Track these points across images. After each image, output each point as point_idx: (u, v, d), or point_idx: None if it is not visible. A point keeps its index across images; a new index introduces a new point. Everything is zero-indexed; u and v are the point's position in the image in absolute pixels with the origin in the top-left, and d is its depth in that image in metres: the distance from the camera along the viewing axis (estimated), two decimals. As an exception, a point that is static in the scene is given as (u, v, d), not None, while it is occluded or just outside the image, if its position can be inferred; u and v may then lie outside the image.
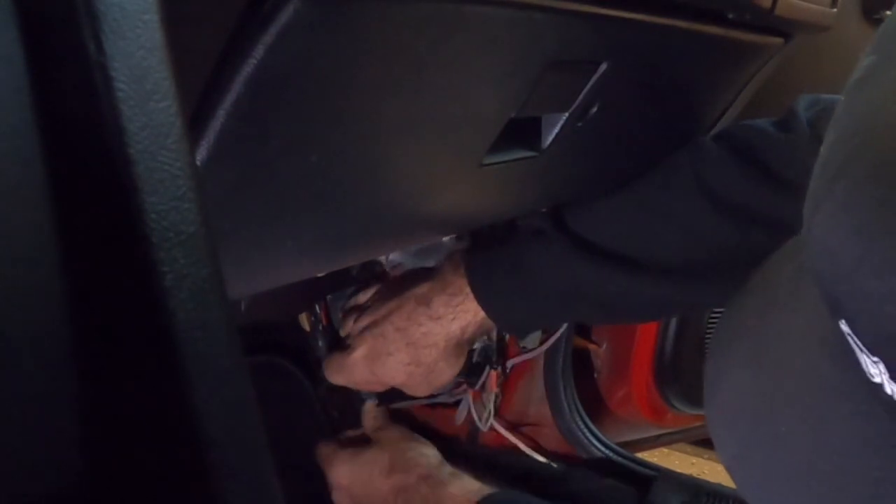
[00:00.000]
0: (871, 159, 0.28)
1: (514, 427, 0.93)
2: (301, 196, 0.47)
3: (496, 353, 0.87)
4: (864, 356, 0.29)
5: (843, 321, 0.30)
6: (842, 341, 0.30)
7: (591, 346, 0.96)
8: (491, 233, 0.80)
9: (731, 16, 0.60)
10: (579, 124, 0.60)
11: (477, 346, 0.86)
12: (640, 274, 0.70)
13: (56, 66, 0.24)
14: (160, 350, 0.25)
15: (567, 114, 0.59)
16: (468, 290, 0.74)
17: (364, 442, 0.89)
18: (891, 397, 0.29)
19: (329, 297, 0.87)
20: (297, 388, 0.93)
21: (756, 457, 0.39)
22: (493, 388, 0.88)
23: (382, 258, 0.84)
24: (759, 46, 0.69)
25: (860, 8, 0.92)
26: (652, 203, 0.73)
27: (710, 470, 2.07)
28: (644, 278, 0.70)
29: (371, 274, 0.85)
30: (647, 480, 0.87)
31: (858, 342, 0.29)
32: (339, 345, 0.84)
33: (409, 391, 0.80)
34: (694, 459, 2.05)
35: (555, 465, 0.91)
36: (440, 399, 0.91)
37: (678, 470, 0.88)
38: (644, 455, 0.97)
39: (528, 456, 0.91)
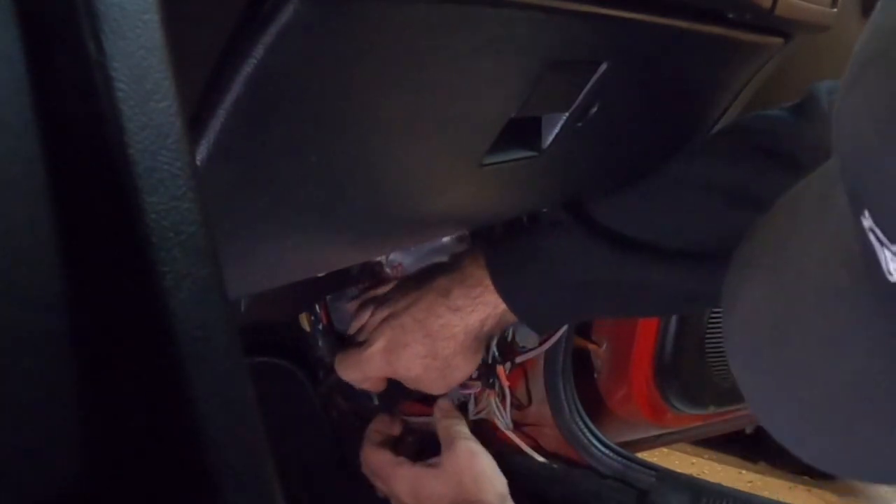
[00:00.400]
0: None
1: (514, 427, 0.93)
2: (301, 196, 0.47)
3: (502, 352, 0.87)
4: (885, 252, 0.30)
5: (866, 213, 0.30)
6: (862, 246, 0.31)
7: (591, 346, 0.96)
8: (511, 226, 0.79)
9: (731, 16, 0.60)
10: (579, 124, 0.60)
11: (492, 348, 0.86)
12: (659, 263, 0.70)
13: (56, 66, 0.24)
14: (160, 350, 0.25)
15: (567, 114, 0.59)
16: (488, 281, 0.73)
17: (424, 446, 0.88)
18: None
19: (329, 297, 0.87)
20: (297, 388, 0.93)
21: (768, 367, 0.40)
22: (506, 382, 0.88)
23: (382, 258, 0.84)
24: (759, 46, 0.69)
25: (860, 8, 0.92)
26: (669, 195, 0.72)
27: (710, 470, 2.07)
28: (663, 267, 0.70)
29: (371, 274, 0.85)
30: (647, 480, 0.87)
31: (880, 234, 0.30)
32: (345, 343, 0.84)
33: (424, 387, 0.79)
34: (694, 459, 2.05)
35: (555, 466, 0.91)
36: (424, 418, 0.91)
37: (678, 470, 0.88)
38: (644, 455, 0.97)
39: (528, 456, 0.91)
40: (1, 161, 0.23)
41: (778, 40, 0.70)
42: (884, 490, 2.41)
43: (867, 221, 0.30)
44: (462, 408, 0.91)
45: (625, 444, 0.96)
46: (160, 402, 0.25)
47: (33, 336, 0.24)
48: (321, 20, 0.37)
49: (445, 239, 0.82)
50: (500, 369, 0.86)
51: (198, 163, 0.37)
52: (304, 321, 0.88)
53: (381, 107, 0.46)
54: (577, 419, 0.92)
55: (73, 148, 0.24)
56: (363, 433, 0.91)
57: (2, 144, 0.23)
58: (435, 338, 0.75)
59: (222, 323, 0.26)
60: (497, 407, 0.88)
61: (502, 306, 0.73)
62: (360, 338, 0.81)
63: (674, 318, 0.94)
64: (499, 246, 0.76)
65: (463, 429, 0.86)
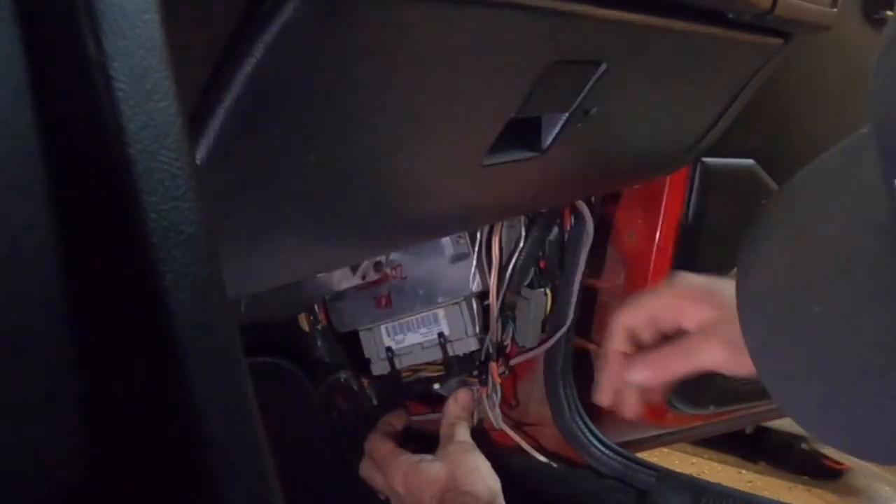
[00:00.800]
0: None
1: (515, 427, 0.93)
2: (301, 196, 0.47)
3: (496, 350, 0.87)
4: None
5: None
6: (889, 209, 0.30)
7: (591, 346, 0.96)
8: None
9: (731, 16, 0.60)
10: (579, 124, 0.60)
11: (486, 343, 0.86)
12: None
13: (56, 66, 0.24)
14: (160, 350, 0.25)
15: (567, 114, 0.59)
16: None
17: (422, 440, 0.87)
18: None
19: (328, 297, 0.87)
20: (297, 388, 0.93)
21: (784, 336, 0.39)
22: (497, 380, 0.88)
23: (382, 258, 0.84)
24: (759, 46, 0.69)
25: (860, 8, 0.92)
26: None
27: (710, 470, 2.07)
28: None
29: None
30: (647, 480, 0.87)
31: None
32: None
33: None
34: (694, 459, 2.05)
35: (555, 465, 0.91)
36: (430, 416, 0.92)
37: (678, 470, 0.88)
38: (644, 455, 0.97)
39: (528, 455, 0.91)
40: (1, 161, 0.23)
41: (778, 40, 0.70)
42: (884, 490, 2.41)
43: None
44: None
45: (625, 444, 0.96)
46: (160, 401, 0.25)
47: (33, 336, 0.24)
48: (321, 19, 0.37)
49: (445, 239, 0.82)
50: (492, 366, 0.86)
51: (198, 163, 0.37)
52: (304, 321, 0.88)
53: (380, 107, 0.46)
54: (577, 419, 0.92)
55: (73, 148, 0.24)
56: (363, 433, 0.91)
57: (2, 144, 0.23)
58: None
59: (222, 323, 0.26)
60: (488, 404, 0.88)
61: None
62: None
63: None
64: None
65: (464, 428, 0.86)
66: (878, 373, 0.35)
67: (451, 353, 0.85)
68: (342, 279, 0.81)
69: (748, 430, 2.39)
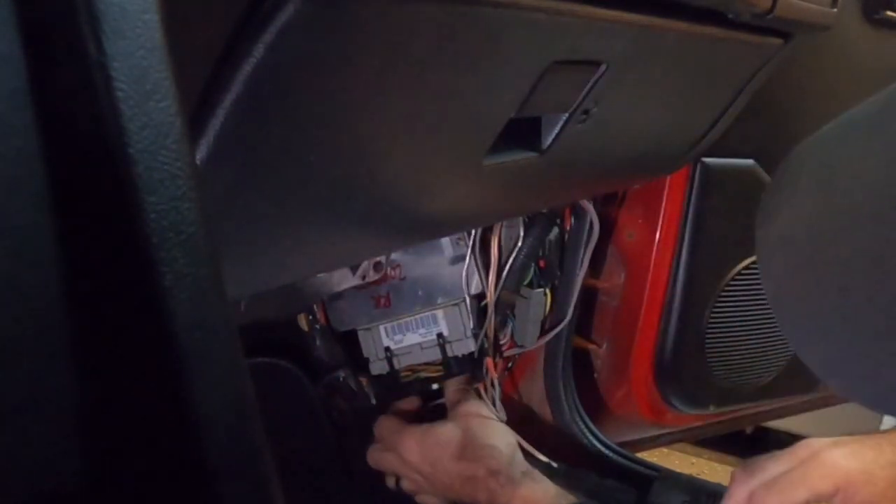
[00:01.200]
0: None
1: (514, 425, 0.93)
2: (300, 196, 0.47)
3: (492, 346, 0.87)
4: None
5: None
6: None
7: (591, 346, 0.96)
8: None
9: (731, 16, 0.60)
10: (579, 124, 0.60)
11: (481, 339, 0.85)
12: None
13: (56, 66, 0.24)
14: (160, 350, 0.25)
15: (567, 114, 0.59)
16: None
17: (432, 413, 0.87)
18: None
19: (327, 297, 0.87)
20: (297, 388, 0.93)
21: (808, 279, 0.39)
22: (494, 374, 0.87)
23: (382, 258, 0.84)
24: (758, 47, 0.69)
25: (860, 8, 0.92)
26: None
27: (709, 470, 2.07)
28: None
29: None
30: (647, 480, 0.87)
31: None
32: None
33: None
34: (694, 459, 2.05)
35: (555, 465, 0.91)
36: (441, 401, 0.91)
37: (678, 470, 0.88)
38: (644, 455, 0.97)
39: (528, 454, 0.91)
40: (1, 161, 0.23)
41: (778, 41, 0.70)
42: (883, 490, 2.40)
43: None
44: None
45: (625, 444, 0.96)
46: (160, 401, 0.25)
47: (33, 336, 0.24)
48: (321, 19, 0.37)
49: (445, 239, 0.82)
50: (488, 361, 0.86)
51: (198, 162, 0.37)
52: (303, 321, 0.88)
53: (380, 107, 0.46)
54: (577, 419, 0.92)
55: (73, 148, 0.24)
56: (363, 433, 0.91)
57: (2, 144, 0.23)
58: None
59: (222, 323, 0.26)
60: (487, 399, 0.88)
61: None
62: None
63: (674, 317, 0.94)
64: None
65: (472, 395, 0.86)
66: None
67: (449, 353, 0.85)
68: (342, 279, 0.81)
69: (748, 430, 2.39)
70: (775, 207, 0.43)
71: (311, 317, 0.88)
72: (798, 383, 1.05)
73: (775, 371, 1.00)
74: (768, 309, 0.97)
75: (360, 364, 0.90)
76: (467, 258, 0.82)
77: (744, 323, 0.97)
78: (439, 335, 0.85)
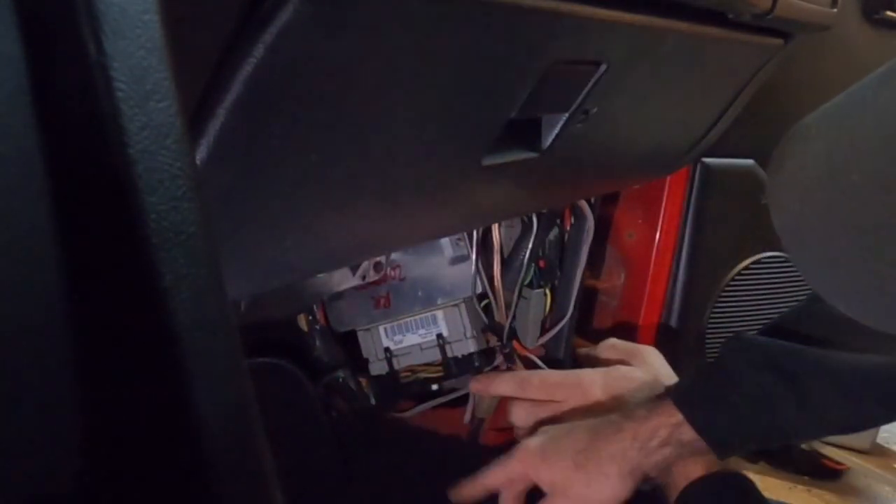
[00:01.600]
0: None
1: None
2: (300, 196, 0.47)
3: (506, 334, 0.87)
4: None
5: None
6: None
7: (592, 346, 0.96)
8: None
9: (731, 16, 0.60)
10: (579, 124, 0.60)
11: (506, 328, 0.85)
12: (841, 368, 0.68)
13: (56, 66, 0.24)
14: (160, 350, 0.25)
15: (567, 114, 0.59)
16: (668, 397, 0.71)
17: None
18: None
19: (327, 297, 0.87)
20: (297, 388, 0.93)
21: (817, 204, 0.42)
22: (526, 351, 0.87)
23: (382, 258, 0.84)
24: (759, 47, 0.69)
25: (860, 8, 0.92)
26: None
27: (709, 470, 2.06)
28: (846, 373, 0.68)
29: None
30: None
31: None
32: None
33: (560, 492, 0.73)
34: (694, 459, 2.04)
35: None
36: (440, 400, 0.91)
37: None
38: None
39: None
40: (1, 161, 0.23)
41: (778, 41, 0.70)
42: (884, 490, 2.41)
43: None
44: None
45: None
46: (160, 401, 0.25)
47: (33, 336, 0.24)
48: (321, 19, 0.37)
49: (445, 239, 0.82)
50: (515, 343, 0.86)
51: (198, 163, 0.37)
52: (302, 321, 0.88)
53: (380, 107, 0.46)
54: (577, 419, 0.91)
55: (73, 148, 0.24)
56: (363, 433, 0.91)
57: (2, 144, 0.23)
58: (599, 436, 0.71)
59: (222, 323, 0.26)
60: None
61: (677, 416, 0.69)
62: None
63: (674, 317, 0.94)
64: (682, 377, 0.74)
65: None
66: None
67: (449, 354, 0.85)
68: (342, 279, 0.81)
69: (748, 431, 2.39)
70: (788, 151, 0.46)
71: (311, 317, 0.88)
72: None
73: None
74: (768, 309, 0.96)
75: (359, 364, 0.90)
76: (473, 257, 0.82)
77: (744, 323, 0.97)
78: (439, 336, 0.85)
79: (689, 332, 0.96)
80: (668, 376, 0.78)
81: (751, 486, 0.70)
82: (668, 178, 0.88)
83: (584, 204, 0.88)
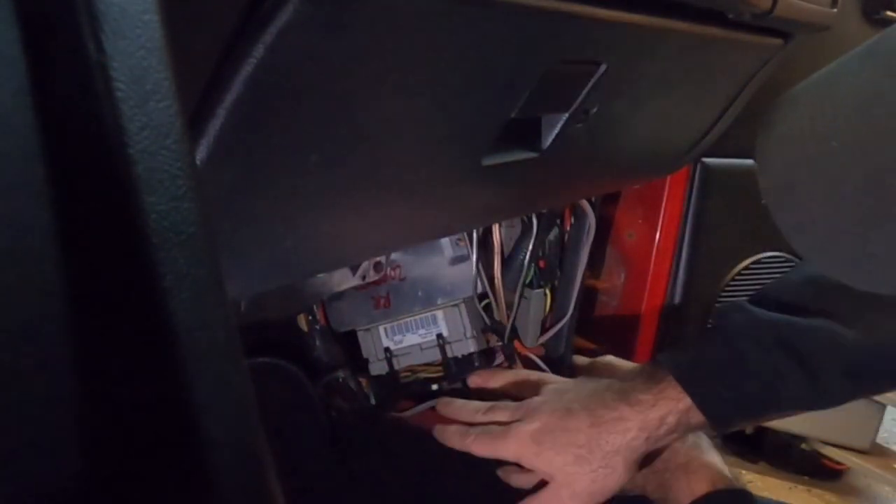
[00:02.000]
0: None
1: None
2: (301, 196, 0.47)
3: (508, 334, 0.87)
4: None
5: None
6: None
7: (591, 346, 0.96)
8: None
9: (731, 16, 0.60)
10: (579, 124, 0.60)
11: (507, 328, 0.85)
12: (840, 335, 0.68)
13: (56, 66, 0.24)
14: (160, 350, 0.25)
15: (567, 114, 0.59)
16: (670, 378, 0.68)
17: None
18: None
19: (326, 297, 0.87)
20: (297, 388, 0.93)
21: (801, 169, 0.45)
22: (524, 350, 0.87)
23: (382, 258, 0.84)
24: (758, 47, 0.69)
25: (860, 8, 0.92)
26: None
27: (709, 470, 2.06)
28: (845, 340, 0.68)
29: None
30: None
31: None
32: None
33: (565, 487, 0.70)
34: (694, 459, 2.04)
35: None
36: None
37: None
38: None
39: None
40: (1, 161, 0.23)
41: (778, 41, 0.70)
42: (884, 490, 2.41)
43: None
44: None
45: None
46: (160, 401, 0.25)
47: (33, 336, 0.24)
48: (321, 19, 0.37)
49: (445, 239, 0.82)
50: (515, 343, 0.86)
51: (198, 163, 0.37)
52: (303, 321, 0.88)
53: (380, 107, 0.46)
54: (577, 419, 0.91)
55: (73, 148, 0.24)
56: (363, 433, 0.91)
57: (2, 144, 0.23)
58: (602, 429, 0.69)
59: (222, 323, 0.26)
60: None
61: (686, 402, 0.67)
62: (502, 416, 0.75)
63: (674, 317, 0.94)
64: (677, 347, 0.73)
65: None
66: (890, 198, 0.41)
67: (449, 354, 0.85)
68: (342, 279, 0.81)
69: (748, 431, 2.39)
70: (777, 116, 0.48)
71: (310, 317, 0.88)
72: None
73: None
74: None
75: (359, 364, 0.90)
76: (474, 257, 0.82)
77: (744, 323, 0.97)
78: (439, 336, 0.85)
79: (689, 332, 0.96)
80: None
81: (754, 502, 0.69)
82: (668, 178, 0.88)
83: (585, 203, 0.88)
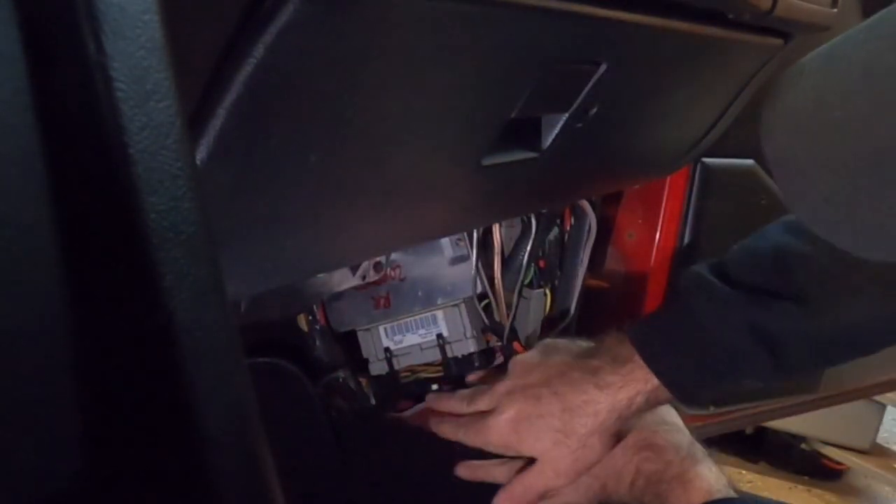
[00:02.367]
0: None
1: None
2: (300, 196, 0.47)
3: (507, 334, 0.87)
4: None
5: None
6: None
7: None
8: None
9: (731, 16, 0.60)
10: (579, 124, 0.60)
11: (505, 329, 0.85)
12: (804, 313, 0.68)
13: (56, 66, 0.24)
14: (160, 350, 0.25)
15: (567, 114, 0.59)
16: (637, 357, 0.70)
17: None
18: None
19: (326, 297, 0.87)
20: (297, 388, 0.93)
21: (804, 138, 0.46)
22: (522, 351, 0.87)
23: (382, 258, 0.84)
24: (758, 47, 0.69)
25: (860, 8, 0.92)
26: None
27: (709, 470, 2.06)
28: (809, 318, 0.68)
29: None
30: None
31: None
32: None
33: (550, 466, 0.73)
34: (694, 460, 2.04)
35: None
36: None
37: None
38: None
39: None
40: (1, 161, 0.23)
41: (778, 41, 0.70)
42: (884, 490, 2.41)
43: None
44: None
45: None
46: (160, 402, 0.25)
47: (33, 336, 0.24)
48: (321, 19, 0.37)
49: (445, 239, 0.82)
50: (515, 345, 0.86)
51: (198, 163, 0.37)
52: (303, 322, 0.88)
53: (380, 107, 0.46)
54: (577, 419, 0.91)
55: (73, 148, 0.24)
56: (363, 433, 0.91)
57: (2, 144, 0.23)
58: (574, 413, 0.71)
59: (222, 323, 0.26)
60: None
61: (653, 381, 0.69)
62: (483, 405, 0.76)
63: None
64: (642, 321, 0.73)
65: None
66: (889, 169, 0.42)
67: (449, 354, 0.85)
68: (342, 279, 0.81)
69: (748, 431, 2.39)
70: (782, 87, 0.49)
71: (310, 317, 0.88)
72: (798, 383, 1.05)
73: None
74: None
75: (359, 364, 0.90)
76: (474, 257, 0.82)
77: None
78: (439, 336, 0.85)
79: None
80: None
81: None
82: (668, 178, 0.88)
83: (585, 203, 0.87)
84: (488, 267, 0.84)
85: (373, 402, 0.90)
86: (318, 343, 0.89)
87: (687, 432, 0.75)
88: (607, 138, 0.68)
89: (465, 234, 0.82)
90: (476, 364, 0.86)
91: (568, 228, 0.90)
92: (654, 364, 0.69)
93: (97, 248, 0.25)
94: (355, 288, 0.85)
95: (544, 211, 0.86)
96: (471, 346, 0.85)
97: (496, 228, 0.83)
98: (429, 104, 0.48)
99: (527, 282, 0.87)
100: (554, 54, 0.52)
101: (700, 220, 0.89)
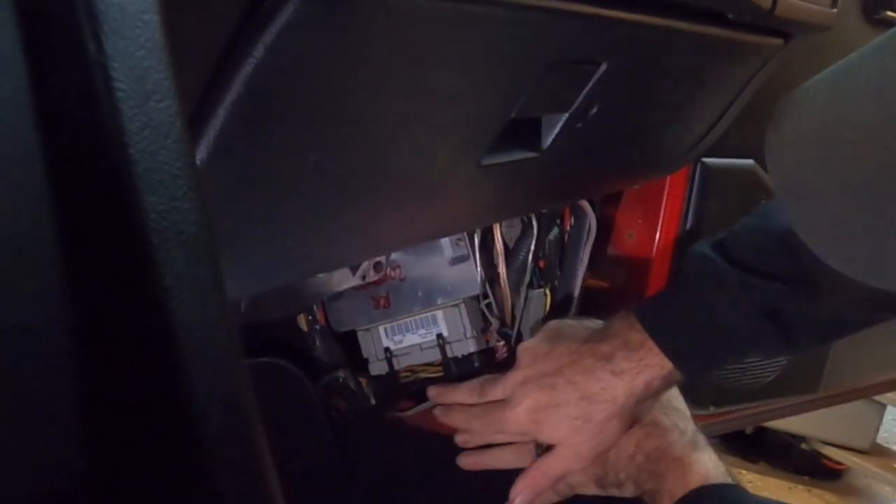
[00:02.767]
0: None
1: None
2: (301, 196, 0.47)
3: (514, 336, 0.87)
4: None
5: None
6: None
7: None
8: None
9: (731, 16, 0.60)
10: (579, 124, 0.60)
11: (494, 324, 0.85)
12: (808, 291, 0.68)
13: (56, 66, 0.24)
14: (160, 350, 0.25)
15: (567, 114, 0.59)
16: (651, 343, 0.70)
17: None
18: None
19: (326, 297, 0.87)
20: (297, 388, 0.93)
21: (813, 161, 0.45)
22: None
23: (382, 258, 0.84)
24: (759, 47, 0.69)
25: (860, 8, 0.92)
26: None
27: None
28: (812, 296, 0.68)
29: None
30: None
31: None
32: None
33: (570, 450, 0.73)
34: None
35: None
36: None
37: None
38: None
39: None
40: (1, 161, 0.23)
41: (778, 41, 0.70)
42: (884, 490, 2.41)
43: None
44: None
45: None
46: (160, 401, 0.25)
47: (33, 336, 0.24)
48: (321, 19, 0.37)
49: (445, 239, 0.82)
50: (501, 347, 0.86)
51: (198, 163, 0.37)
52: (303, 321, 0.88)
53: (380, 107, 0.46)
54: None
55: (73, 148, 0.24)
56: (363, 433, 0.91)
57: (2, 144, 0.23)
58: (591, 400, 0.71)
59: (222, 323, 0.26)
60: None
61: (668, 366, 0.70)
62: (495, 395, 0.76)
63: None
64: (651, 304, 0.73)
65: None
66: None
67: (449, 354, 0.85)
68: (342, 279, 0.81)
69: (748, 431, 2.39)
70: (787, 110, 0.48)
71: (310, 317, 0.88)
72: (798, 383, 1.05)
73: (775, 371, 1.00)
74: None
75: (359, 364, 0.90)
76: (476, 256, 0.82)
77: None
78: (439, 336, 0.85)
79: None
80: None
81: (748, 497, 0.70)
82: (668, 178, 0.88)
83: (585, 203, 0.87)
84: (488, 267, 0.84)
85: (373, 402, 0.90)
86: (318, 343, 0.89)
87: (692, 421, 0.76)
88: (607, 138, 0.68)
89: (465, 234, 0.82)
90: (476, 364, 0.86)
91: (568, 228, 0.90)
92: (670, 351, 0.70)
93: (97, 248, 0.25)
94: (355, 288, 0.85)
95: (544, 211, 0.86)
96: (471, 346, 0.85)
97: (496, 228, 0.83)
98: (429, 104, 0.48)
99: (527, 282, 0.87)
100: (554, 54, 0.52)
101: (700, 219, 0.89)
